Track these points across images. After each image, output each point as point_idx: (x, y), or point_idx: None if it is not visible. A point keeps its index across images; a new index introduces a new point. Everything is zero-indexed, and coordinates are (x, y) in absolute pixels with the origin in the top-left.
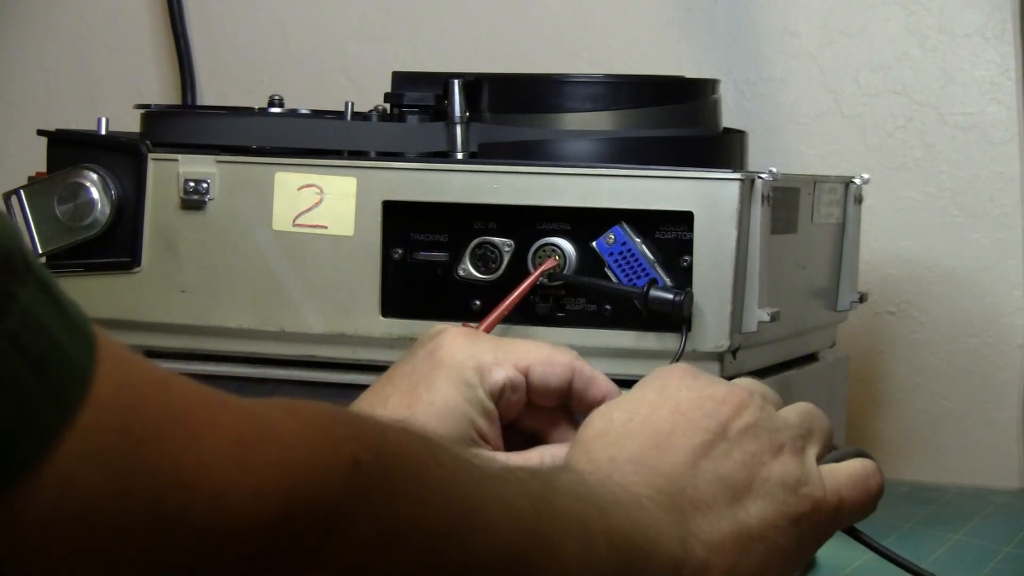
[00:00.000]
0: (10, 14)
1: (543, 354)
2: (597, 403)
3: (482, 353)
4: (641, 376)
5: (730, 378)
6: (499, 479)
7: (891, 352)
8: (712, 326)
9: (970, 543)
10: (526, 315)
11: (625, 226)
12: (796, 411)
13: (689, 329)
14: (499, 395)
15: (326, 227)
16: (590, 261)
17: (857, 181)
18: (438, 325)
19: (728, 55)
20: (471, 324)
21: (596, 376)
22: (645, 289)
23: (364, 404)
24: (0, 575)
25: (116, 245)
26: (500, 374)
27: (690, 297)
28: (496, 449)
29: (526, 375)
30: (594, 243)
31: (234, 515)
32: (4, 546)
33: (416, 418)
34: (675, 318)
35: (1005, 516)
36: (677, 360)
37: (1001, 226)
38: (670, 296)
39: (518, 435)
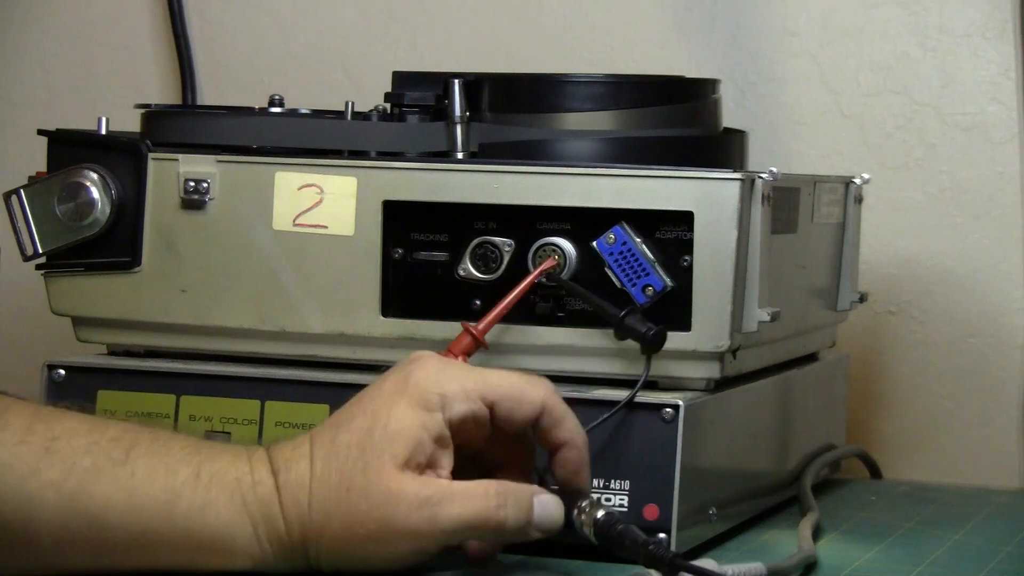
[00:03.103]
0: (10, 14)
1: (514, 389)
2: (559, 445)
3: (450, 382)
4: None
5: (730, 379)
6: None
7: (891, 352)
8: (712, 326)
9: (970, 543)
10: (526, 315)
11: (625, 226)
12: None
13: (649, 359)
14: (459, 426)
15: (326, 227)
16: (590, 261)
17: (857, 181)
18: (417, 351)
19: (728, 55)
20: (470, 323)
21: (565, 418)
22: (622, 314)
23: (331, 423)
24: None
25: (116, 245)
26: (463, 407)
27: (662, 334)
28: (443, 477)
29: (492, 408)
30: (594, 243)
31: None
32: None
33: (373, 439)
34: (643, 350)
35: (1005, 516)
36: (643, 383)
37: (1001, 226)
38: (642, 329)
39: (477, 462)
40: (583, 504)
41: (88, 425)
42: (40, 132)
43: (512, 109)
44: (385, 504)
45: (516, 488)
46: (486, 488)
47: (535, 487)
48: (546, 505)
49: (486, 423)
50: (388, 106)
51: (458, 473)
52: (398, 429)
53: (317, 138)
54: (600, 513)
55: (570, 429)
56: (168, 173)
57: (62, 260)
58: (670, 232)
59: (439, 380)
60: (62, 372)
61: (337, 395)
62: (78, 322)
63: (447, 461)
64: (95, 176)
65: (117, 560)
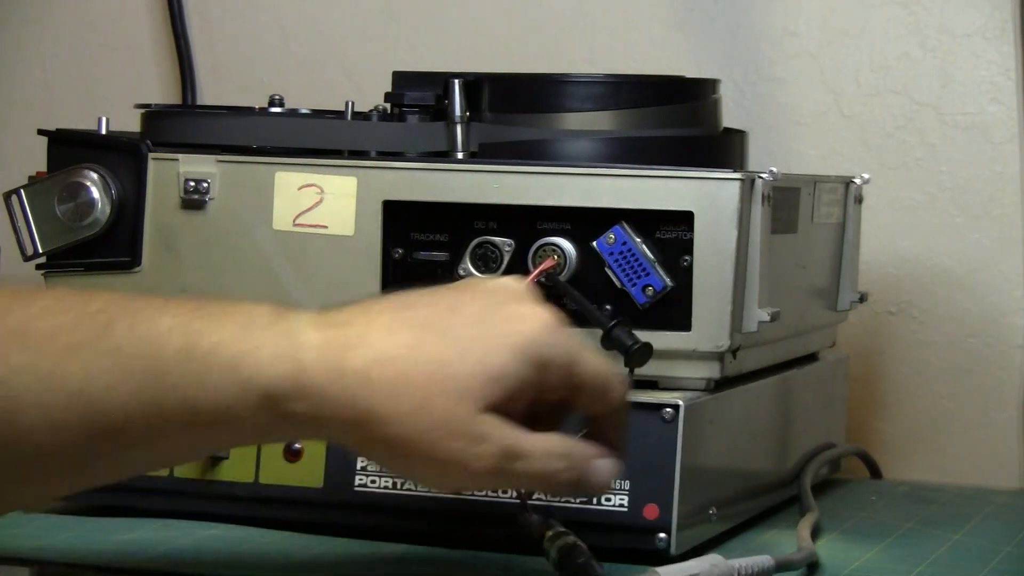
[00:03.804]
0: (10, 14)
1: (599, 381)
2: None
3: (557, 355)
4: (645, 376)
5: (730, 379)
6: None
7: (891, 352)
8: (712, 326)
9: (970, 543)
10: None
11: (625, 226)
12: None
13: (632, 372)
14: (542, 391)
15: (326, 227)
16: (590, 261)
17: (857, 181)
18: (516, 285)
19: (728, 55)
20: None
21: (620, 430)
22: (611, 324)
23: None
24: None
25: (116, 245)
26: (553, 380)
27: (646, 350)
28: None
29: (574, 391)
30: (594, 243)
31: None
32: None
33: (467, 368)
34: (626, 363)
35: (1005, 516)
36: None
37: (1001, 226)
38: (627, 343)
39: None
40: (551, 533)
41: (68, 302)
42: (40, 132)
43: (512, 109)
44: (463, 438)
45: (581, 451)
46: (554, 447)
47: (597, 449)
48: (601, 470)
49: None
50: (388, 106)
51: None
52: (497, 372)
53: (317, 138)
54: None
55: (617, 441)
56: (168, 173)
57: (62, 260)
58: (670, 232)
59: (550, 343)
60: None
61: None
62: None
63: (521, 409)
64: (95, 176)
65: (116, 440)
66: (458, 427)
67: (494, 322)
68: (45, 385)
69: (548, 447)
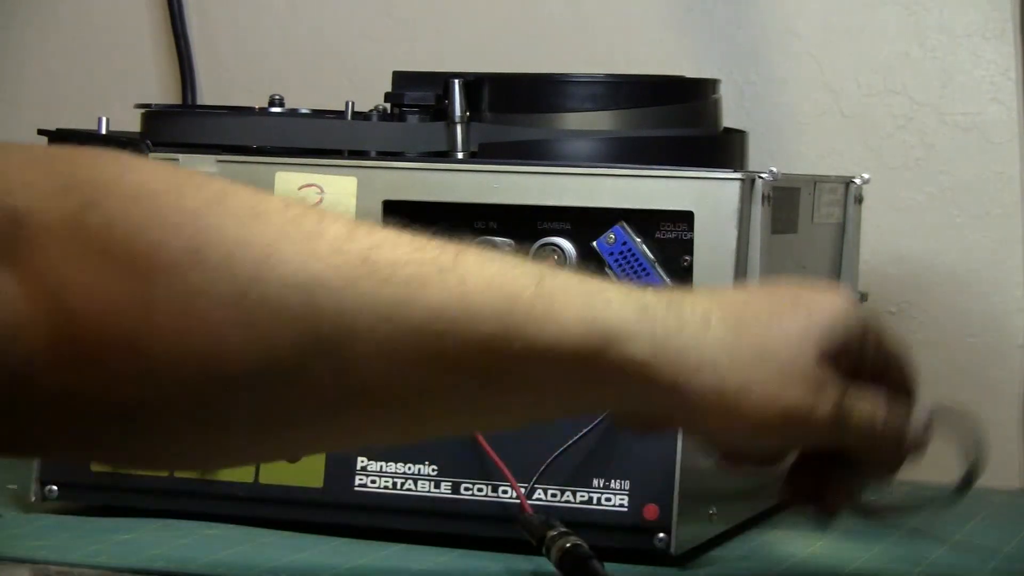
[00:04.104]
0: (11, 14)
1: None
2: None
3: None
4: None
5: None
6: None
7: None
8: None
9: (970, 543)
10: None
11: (625, 226)
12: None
13: None
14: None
15: None
16: (590, 261)
17: (857, 181)
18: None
19: (728, 55)
20: None
21: None
22: None
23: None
24: None
25: None
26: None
27: None
28: None
29: (880, 366)
30: (594, 243)
31: None
32: None
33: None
34: None
35: (1005, 516)
36: None
37: (1001, 226)
38: None
39: None
40: (553, 533)
41: (410, 236)
42: (40, 132)
43: (512, 109)
44: (806, 383)
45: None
46: (878, 394)
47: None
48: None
49: None
50: (388, 106)
51: None
52: (829, 323)
53: (317, 138)
54: (569, 543)
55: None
56: None
57: None
58: (670, 232)
59: (864, 313)
60: None
61: None
62: None
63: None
64: None
65: (451, 379)
66: (801, 373)
67: (811, 293)
68: (385, 316)
69: (875, 393)
